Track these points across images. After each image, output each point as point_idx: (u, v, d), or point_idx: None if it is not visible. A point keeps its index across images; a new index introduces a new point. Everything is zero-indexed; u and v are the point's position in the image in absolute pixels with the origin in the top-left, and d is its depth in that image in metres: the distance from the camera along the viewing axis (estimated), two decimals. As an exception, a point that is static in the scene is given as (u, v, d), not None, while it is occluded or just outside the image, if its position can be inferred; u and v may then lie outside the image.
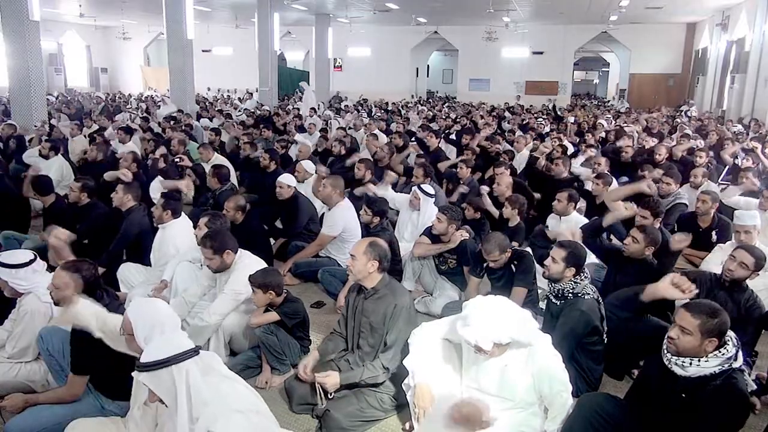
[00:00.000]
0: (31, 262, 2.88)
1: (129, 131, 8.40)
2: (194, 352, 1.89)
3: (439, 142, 7.97)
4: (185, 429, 1.85)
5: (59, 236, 3.42)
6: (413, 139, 8.59)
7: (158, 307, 2.25)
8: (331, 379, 2.74)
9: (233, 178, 6.66)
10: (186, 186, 5.27)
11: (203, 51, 24.09)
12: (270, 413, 2.13)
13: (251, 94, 21.22)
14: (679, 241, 3.69)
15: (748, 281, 3.14)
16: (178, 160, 6.49)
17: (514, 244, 4.06)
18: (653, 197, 4.30)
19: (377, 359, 2.80)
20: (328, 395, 2.74)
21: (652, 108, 16.15)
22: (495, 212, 5.01)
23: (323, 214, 5.03)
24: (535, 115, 14.27)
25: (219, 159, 6.97)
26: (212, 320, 3.21)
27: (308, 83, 24.00)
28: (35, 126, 9.37)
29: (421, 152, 7.50)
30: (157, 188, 5.38)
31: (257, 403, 2.05)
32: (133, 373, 1.92)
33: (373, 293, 2.87)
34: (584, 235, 3.60)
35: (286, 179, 5.14)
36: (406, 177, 6.60)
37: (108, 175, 5.38)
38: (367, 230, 4.47)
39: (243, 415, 1.92)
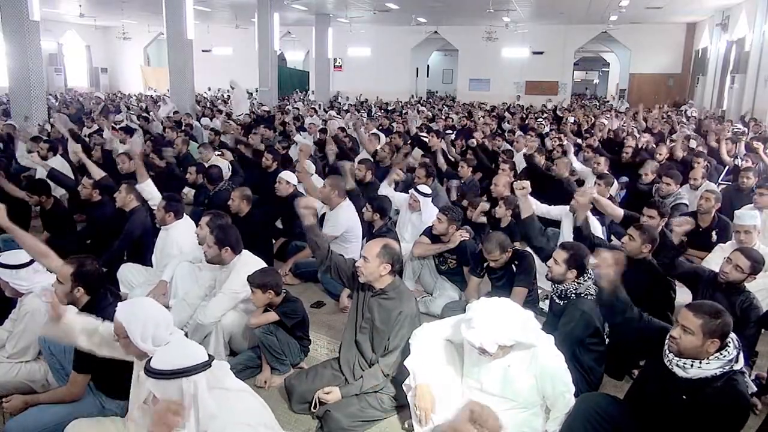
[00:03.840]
0: (32, 262, 2.89)
1: (129, 131, 8.40)
2: (206, 365, 1.84)
3: (439, 142, 7.96)
4: None
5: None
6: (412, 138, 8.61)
7: (145, 304, 2.21)
8: (332, 395, 2.78)
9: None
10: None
11: (203, 51, 24.08)
12: (279, 426, 2.11)
13: (251, 94, 21.19)
14: (679, 224, 3.32)
15: (746, 284, 3.10)
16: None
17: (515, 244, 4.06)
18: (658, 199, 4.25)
19: (376, 366, 2.81)
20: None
21: (651, 108, 16.11)
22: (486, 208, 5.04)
23: (324, 214, 5.03)
24: (535, 115, 14.18)
25: (219, 159, 6.97)
26: (207, 320, 3.21)
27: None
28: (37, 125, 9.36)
29: (423, 152, 7.51)
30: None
31: (265, 416, 2.03)
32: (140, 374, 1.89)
33: (381, 293, 2.86)
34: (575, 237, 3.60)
35: (286, 176, 5.14)
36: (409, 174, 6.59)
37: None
38: (370, 231, 4.47)
39: (252, 428, 1.90)
